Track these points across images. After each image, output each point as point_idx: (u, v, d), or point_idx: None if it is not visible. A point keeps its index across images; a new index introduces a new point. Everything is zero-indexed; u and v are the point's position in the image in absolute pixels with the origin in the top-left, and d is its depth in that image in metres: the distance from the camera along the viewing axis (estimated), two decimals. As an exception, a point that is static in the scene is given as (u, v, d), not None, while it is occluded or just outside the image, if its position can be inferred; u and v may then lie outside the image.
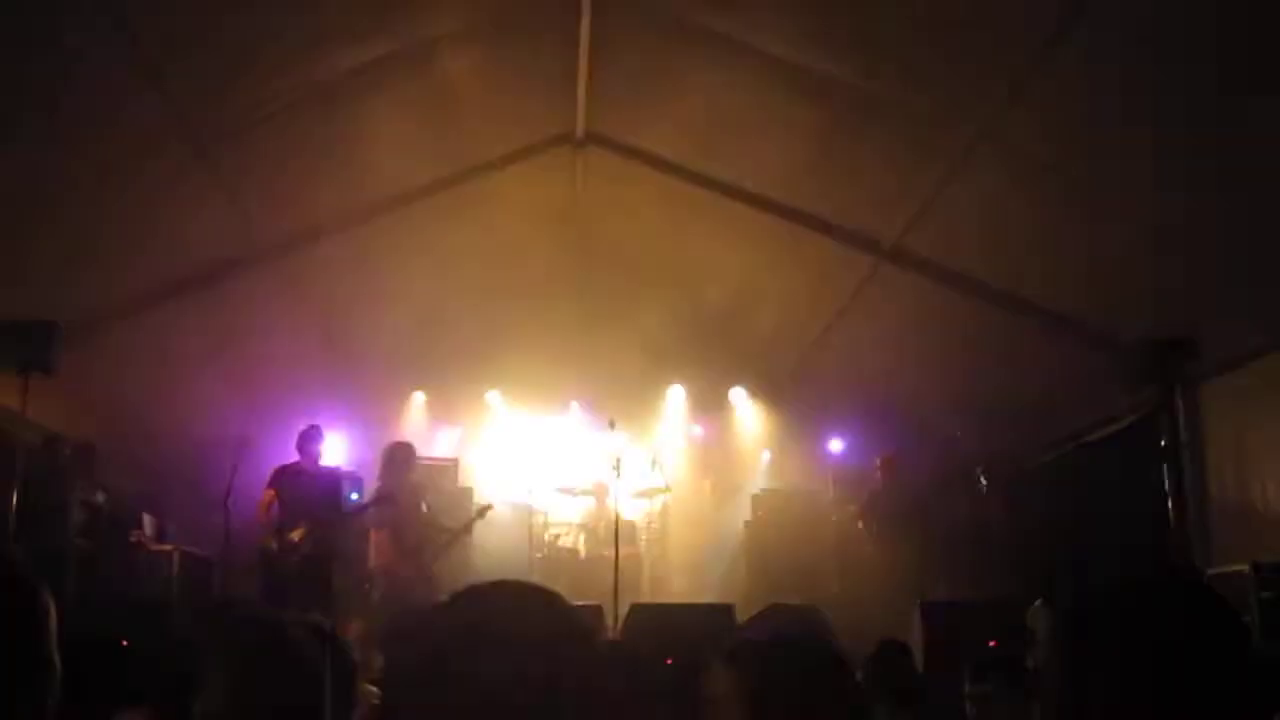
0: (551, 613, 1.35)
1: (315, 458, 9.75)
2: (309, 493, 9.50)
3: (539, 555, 11.79)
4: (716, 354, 12.23)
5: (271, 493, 9.48)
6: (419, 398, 12.75)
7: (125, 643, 7.32)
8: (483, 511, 10.07)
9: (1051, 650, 1.48)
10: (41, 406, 8.77)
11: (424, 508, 9.71)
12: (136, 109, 7.07)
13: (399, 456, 9.74)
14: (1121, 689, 1.37)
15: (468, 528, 10.06)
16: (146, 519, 10.54)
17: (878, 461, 10.90)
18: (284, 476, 9.58)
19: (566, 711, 1.25)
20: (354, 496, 11.16)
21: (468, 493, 12.23)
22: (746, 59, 7.76)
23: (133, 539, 10.22)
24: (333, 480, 9.90)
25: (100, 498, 9.80)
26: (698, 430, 13.28)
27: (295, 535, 9.28)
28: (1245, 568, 6.87)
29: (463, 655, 1.26)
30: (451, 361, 12.05)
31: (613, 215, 10.55)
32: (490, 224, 10.06)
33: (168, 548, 10.46)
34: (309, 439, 9.73)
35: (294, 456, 9.77)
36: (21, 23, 6.09)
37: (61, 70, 6.45)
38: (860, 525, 10.63)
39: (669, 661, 7.73)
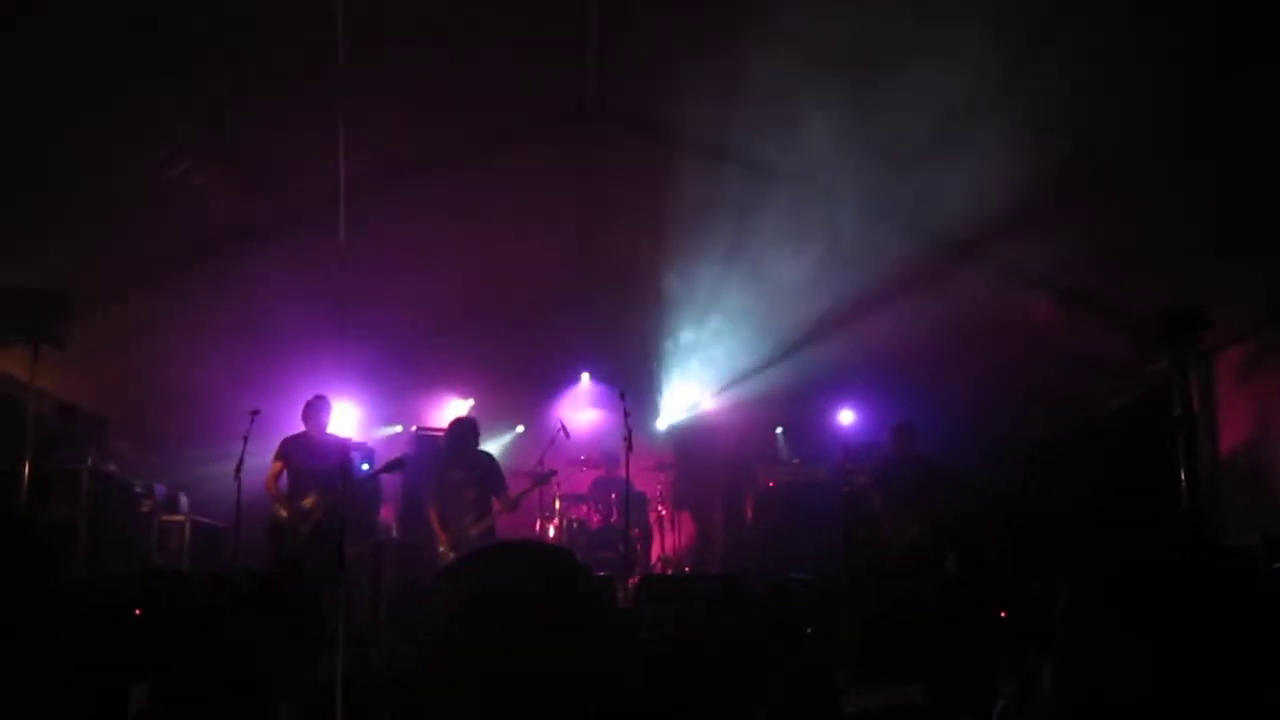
0: (564, 573, 1.33)
1: (322, 427, 9.77)
2: (317, 462, 9.53)
3: (549, 526, 11.80)
4: (729, 325, 12.20)
5: (279, 464, 9.52)
6: (432, 368, 12.73)
7: (138, 612, 7.37)
8: (544, 478, 10.17)
9: (1073, 621, 1.45)
10: (53, 376, 8.79)
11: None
12: (147, 78, 7.05)
13: (457, 431, 9.86)
14: (1148, 659, 1.35)
15: (524, 494, 10.10)
16: (158, 489, 10.58)
17: (890, 431, 10.60)
18: (291, 447, 9.62)
19: (581, 670, 1.24)
20: (365, 467, 11.19)
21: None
22: (758, 27, 7.70)
23: (144, 509, 10.26)
24: (341, 449, 9.90)
25: (112, 467, 9.84)
26: (709, 402, 13.26)
27: (306, 503, 9.31)
28: (1256, 539, 6.86)
29: (475, 616, 1.24)
30: (461, 331, 12.03)
31: (622, 186, 10.50)
32: (502, 193, 10.03)
33: (179, 517, 10.51)
34: (315, 409, 9.75)
35: (301, 427, 9.80)
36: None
37: (69, 42, 6.43)
38: (876, 497, 10.39)
39: (679, 632, 7.76)
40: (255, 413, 9.34)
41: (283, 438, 9.70)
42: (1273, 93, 6.18)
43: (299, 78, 7.59)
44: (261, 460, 9.47)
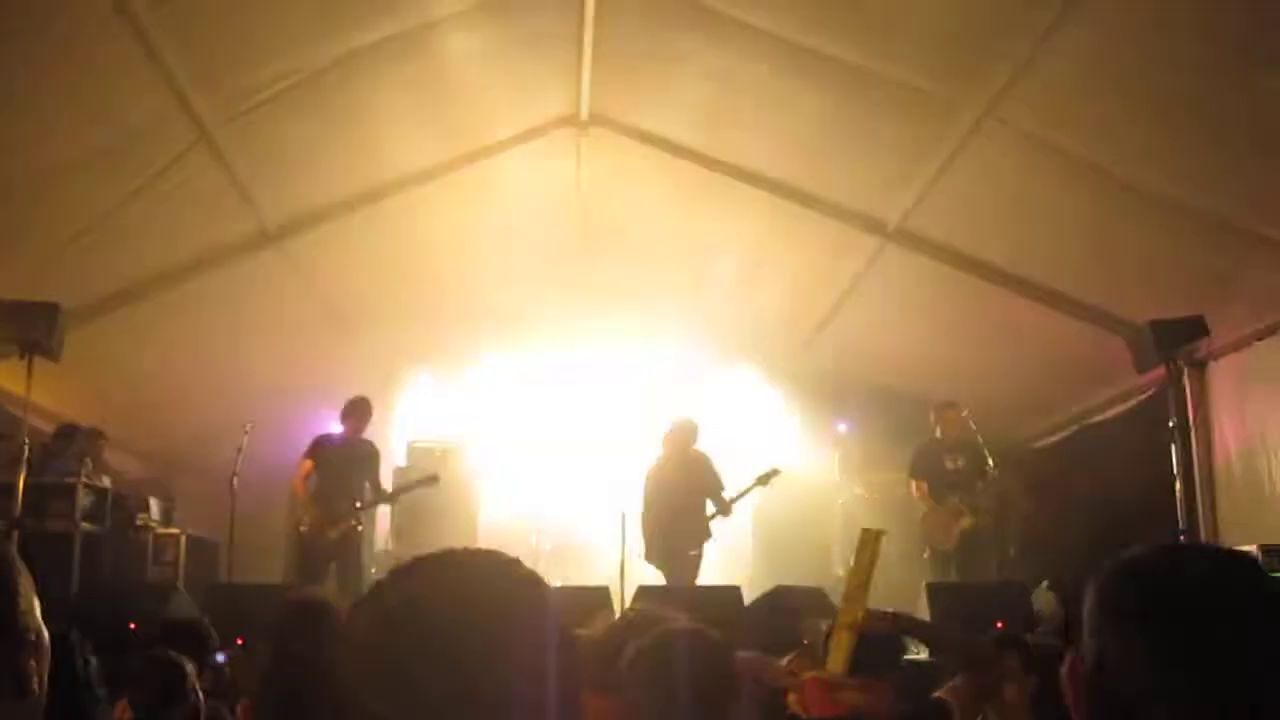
0: (503, 580, 1.26)
1: (359, 430, 9.56)
2: (350, 465, 9.42)
3: (545, 536, 11.78)
4: (721, 335, 12.21)
5: (310, 463, 9.37)
6: (425, 379, 12.70)
7: (132, 626, 7.35)
8: (767, 477, 9.79)
9: (1099, 625, 1.40)
10: (47, 389, 8.77)
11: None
12: (139, 91, 7.04)
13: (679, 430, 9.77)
14: (1178, 666, 1.31)
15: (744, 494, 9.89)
16: (152, 502, 10.55)
17: (934, 413, 10.02)
18: (325, 447, 9.46)
19: (517, 691, 1.17)
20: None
21: (475, 475, 12.20)
22: (750, 39, 7.71)
23: (139, 522, 10.23)
24: (373, 455, 9.71)
25: (106, 480, 9.82)
26: (705, 411, 13.22)
27: (340, 508, 9.16)
28: (1252, 549, 6.84)
29: (398, 632, 1.18)
30: (456, 343, 12.02)
31: (617, 196, 10.51)
32: (494, 206, 10.03)
33: (174, 531, 10.47)
34: (359, 411, 9.55)
35: (329, 429, 9.72)
36: (20, 8, 6.08)
37: (63, 52, 6.43)
38: (913, 486, 9.91)
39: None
40: (249, 425, 9.33)
41: (316, 436, 9.54)
42: (1273, 98, 6.19)
43: (294, 91, 7.61)
44: (255, 473, 9.47)
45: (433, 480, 9.83)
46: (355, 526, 9.29)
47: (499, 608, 1.22)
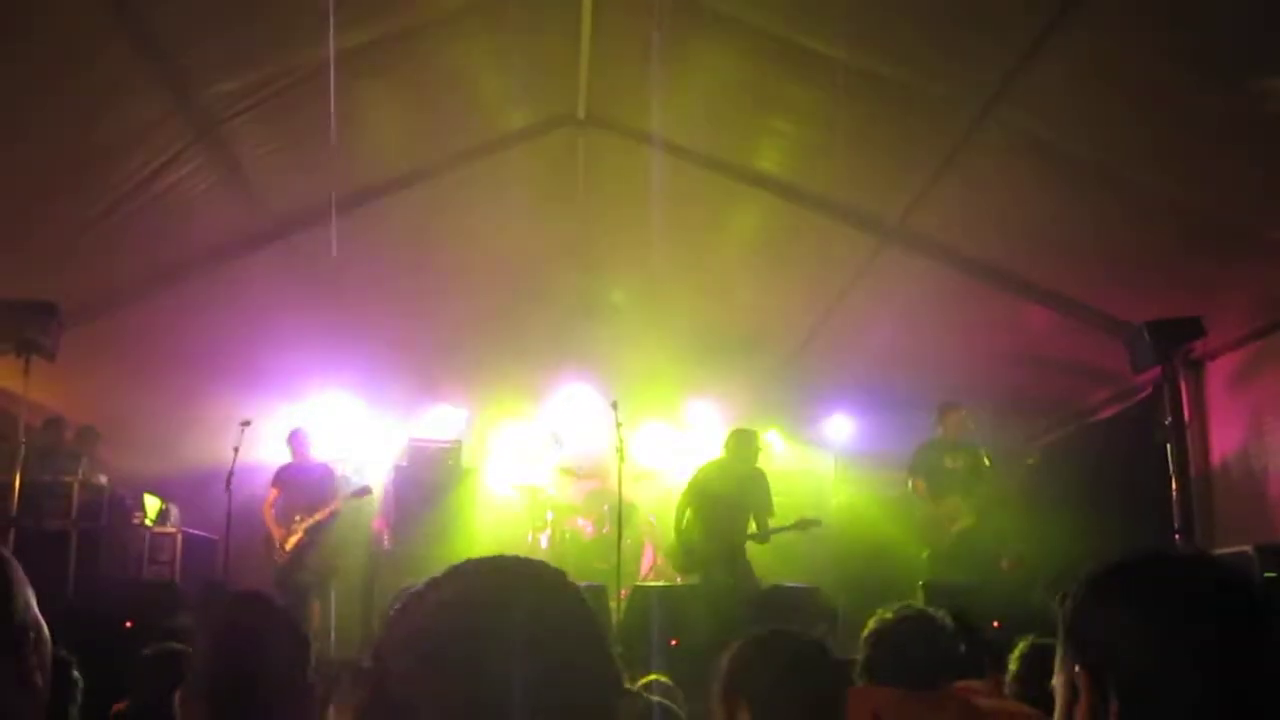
0: (554, 590, 1.30)
1: (305, 455, 10.24)
2: (304, 488, 10.01)
3: (541, 537, 11.76)
4: (719, 334, 12.19)
5: (275, 491, 10.01)
6: (425, 376, 12.68)
7: (129, 624, 7.36)
8: (808, 523, 9.88)
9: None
10: (44, 388, 8.76)
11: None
12: (137, 87, 7.04)
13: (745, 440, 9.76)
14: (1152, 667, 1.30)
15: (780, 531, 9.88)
16: (149, 501, 10.54)
17: (937, 412, 10.03)
18: (283, 475, 10.11)
19: (570, 696, 1.21)
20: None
21: (472, 474, 12.20)
22: (749, 39, 7.72)
23: (135, 521, 10.23)
24: (323, 473, 10.35)
25: (103, 479, 9.81)
26: (701, 410, 13.21)
27: (295, 524, 9.58)
28: (1248, 549, 6.84)
29: (457, 635, 1.21)
30: (454, 341, 12.01)
31: (614, 197, 10.50)
32: (492, 205, 10.02)
33: (170, 529, 10.47)
34: (294, 440, 10.25)
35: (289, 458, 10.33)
36: (17, 6, 6.08)
37: (60, 50, 6.42)
38: (910, 484, 9.95)
39: (673, 643, 7.75)
40: (246, 424, 9.36)
41: (278, 467, 10.16)
42: (1270, 99, 6.19)
43: (294, 87, 7.60)
44: (252, 471, 9.58)
45: (365, 492, 10.55)
46: (306, 539, 9.79)
47: (556, 621, 1.26)
